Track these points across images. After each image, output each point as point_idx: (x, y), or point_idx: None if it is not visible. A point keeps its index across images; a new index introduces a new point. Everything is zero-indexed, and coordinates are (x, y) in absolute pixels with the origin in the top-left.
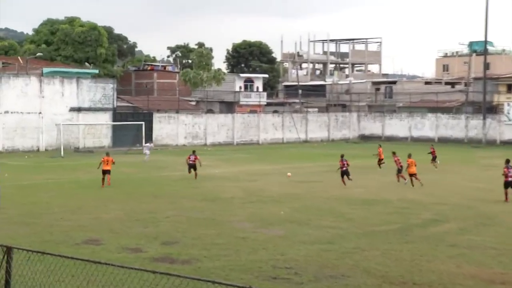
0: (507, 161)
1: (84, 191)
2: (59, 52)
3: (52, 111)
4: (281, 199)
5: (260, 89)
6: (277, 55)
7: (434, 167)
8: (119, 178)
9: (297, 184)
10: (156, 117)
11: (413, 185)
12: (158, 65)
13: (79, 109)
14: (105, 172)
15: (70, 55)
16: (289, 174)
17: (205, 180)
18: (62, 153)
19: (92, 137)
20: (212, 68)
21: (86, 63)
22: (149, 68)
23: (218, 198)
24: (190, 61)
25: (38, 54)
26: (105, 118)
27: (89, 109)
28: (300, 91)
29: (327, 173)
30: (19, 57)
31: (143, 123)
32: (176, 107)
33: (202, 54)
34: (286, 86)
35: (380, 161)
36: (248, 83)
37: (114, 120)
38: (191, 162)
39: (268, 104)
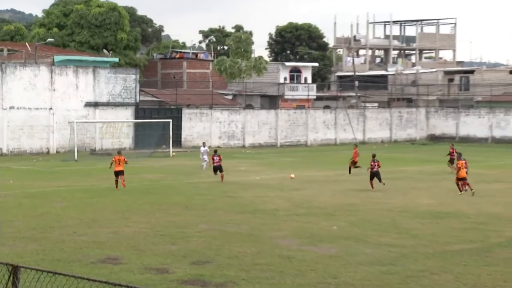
0: None
1: (101, 200)
2: (73, 38)
3: (65, 106)
4: (334, 211)
5: (309, 80)
6: (330, 40)
7: (450, 169)
8: (142, 186)
9: (353, 193)
10: (186, 113)
11: (460, 192)
12: (189, 52)
13: (95, 104)
14: (117, 173)
15: (85, 40)
16: (292, 175)
17: (244, 188)
18: (75, 156)
19: (111, 137)
20: (252, 55)
21: (105, 50)
22: (177, 55)
23: (258, 210)
24: (226, 47)
25: (49, 39)
26: (126, 115)
27: (107, 104)
28: (356, 82)
29: (389, 181)
30: (26, 43)
31: (170, 120)
32: (209, 102)
33: (240, 39)
34: (340, 77)
35: (354, 164)
36: (295, 74)
37: (136, 117)
38: (216, 163)
39: (318, 98)
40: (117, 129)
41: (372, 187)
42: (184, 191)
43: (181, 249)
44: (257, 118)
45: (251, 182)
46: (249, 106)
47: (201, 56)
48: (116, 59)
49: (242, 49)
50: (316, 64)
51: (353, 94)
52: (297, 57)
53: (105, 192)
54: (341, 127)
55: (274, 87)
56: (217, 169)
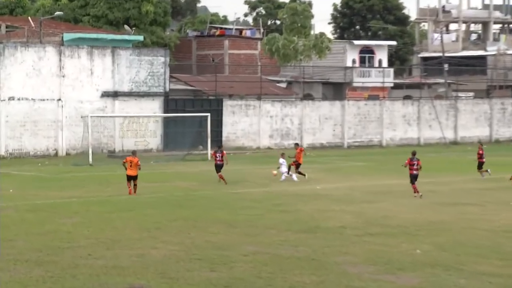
0: None
1: (122, 215)
2: (86, 10)
3: (77, 97)
4: (417, 230)
5: (385, 63)
6: (411, 11)
7: (480, 175)
8: (173, 197)
9: (442, 207)
10: (228, 106)
11: None
12: (231, 29)
13: (115, 94)
14: (129, 178)
15: (102, 14)
16: (274, 172)
17: (302, 200)
18: (90, 159)
19: (134, 135)
20: (312, 32)
21: (126, 26)
22: (217, 33)
23: (320, 228)
24: (278, 22)
25: (57, 13)
26: (153, 108)
27: (129, 94)
28: (446, 66)
29: (489, 192)
30: (29, 18)
31: (208, 115)
32: (258, 91)
33: (297, 12)
34: (425, 59)
35: (297, 167)
36: (366, 55)
37: (166, 111)
38: (218, 161)
39: (397, 86)
40: (141, 125)
41: (416, 191)
42: (226, 203)
43: (223, 278)
44: (318, 111)
45: (310, 193)
46: (307, 97)
47: (247, 33)
48: (141, 37)
49: (299, 24)
50: (394, 43)
51: (442, 80)
52: (369, 33)
53: (127, 204)
54: (425, 122)
55: (340, 72)
56: (219, 168)
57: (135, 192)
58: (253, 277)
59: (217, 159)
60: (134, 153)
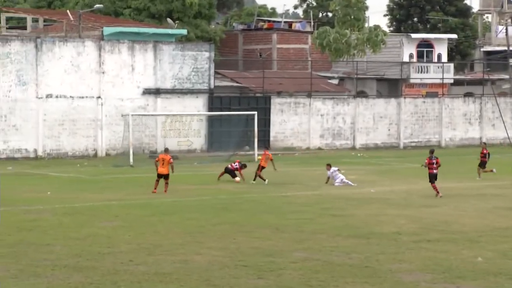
0: None
1: (165, 219)
2: (127, 3)
3: (117, 94)
4: (479, 236)
5: (444, 58)
6: (474, 2)
7: (477, 176)
8: (218, 200)
9: (506, 212)
10: (276, 103)
11: None
12: (280, 22)
13: (157, 92)
14: (160, 175)
15: (144, 7)
16: (237, 179)
17: (354, 204)
18: (131, 159)
19: (177, 135)
20: (366, 25)
21: (169, 20)
22: (265, 26)
23: (374, 234)
24: (330, 14)
25: (97, 6)
26: (197, 106)
27: (172, 91)
28: (511, 60)
29: None
30: (68, 11)
31: (255, 113)
32: (308, 88)
33: (350, 4)
34: (488, 53)
35: (261, 170)
36: (424, 49)
37: (210, 109)
38: (232, 167)
39: (457, 83)
40: (184, 124)
41: (437, 192)
42: (274, 207)
43: (270, 285)
44: (372, 109)
45: (364, 196)
46: (361, 94)
47: (297, 26)
48: (184, 31)
49: (352, 17)
50: (455, 36)
51: (506, 76)
52: (428, 26)
53: (170, 208)
54: (488, 121)
55: (396, 67)
56: (229, 172)
57: (165, 191)
58: (302, 285)
59: (233, 166)
60: (166, 150)
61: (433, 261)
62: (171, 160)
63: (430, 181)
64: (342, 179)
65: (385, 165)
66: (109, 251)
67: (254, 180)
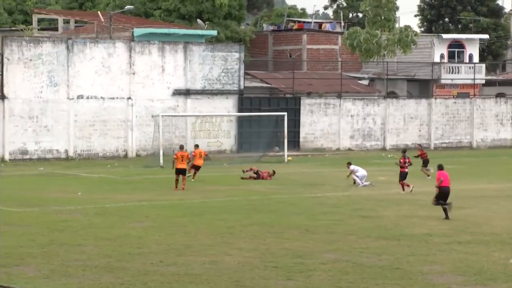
0: None
1: (195, 220)
2: (158, 4)
3: (147, 95)
4: (511, 238)
5: (476, 58)
6: (506, 2)
7: (425, 175)
8: (248, 201)
9: None
10: (306, 104)
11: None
12: (310, 22)
13: (187, 92)
14: (179, 171)
15: (174, 8)
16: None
17: (384, 205)
18: (161, 160)
19: (207, 135)
20: (396, 25)
21: (199, 21)
22: (295, 26)
23: (405, 235)
24: (360, 15)
25: (127, 7)
26: (227, 107)
27: (202, 92)
28: None
29: None
30: (99, 13)
31: (285, 114)
32: (338, 89)
33: (380, 4)
34: None
35: (197, 169)
36: (456, 49)
37: (240, 109)
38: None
39: (489, 83)
40: (214, 125)
41: (404, 189)
42: (304, 208)
43: (300, 287)
44: (402, 110)
45: (394, 197)
46: (391, 94)
47: (327, 27)
48: (214, 32)
49: (383, 17)
50: (486, 36)
51: None
52: (459, 26)
53: (199, 209)
54: None
55: (427, 68)
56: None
57: (183, 187)
58: (332, 287)
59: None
60: (182, 147)
61: (464, 263)
62: (189, 156)
63: (400, 179)
64: (363, 176)
65: (415, 166)
66: (139, 251)
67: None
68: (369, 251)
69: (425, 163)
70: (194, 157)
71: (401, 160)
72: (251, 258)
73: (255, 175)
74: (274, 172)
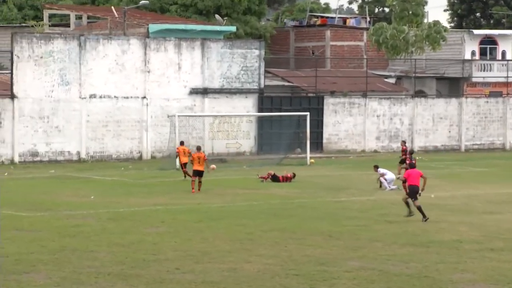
0: None
1: (213, 225)
2: None
3: (163, 94)
4: None
5: (509, 55)
6: None
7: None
8: (268, 205)
9: None
10: (329, 104)
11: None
12: (334, 18)
13: (204, 91)
14: (197, 173)
15: (191, 3)
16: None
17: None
18: (177, 162)
19: (225, 137)
20: (425, 21)
21: (217, 16)
22: (318, 22)
23: (434, 242)
24: (386, 9)
25: (142, 2)
26: (246, 106)
27: (220, 91)
28: None
29: None
30: (112, 8)
31: (307, 114)
32: (363, 88)
33: None
34: None
35: (184, 166)
36: (488, 46)
37: (260, 109)
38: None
39: None
40: (233, 125)
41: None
42: (328, 213)
43: None
44: (431, 110)
45: (423, 202)
46: (420, 93)
47: (352, 22)
48: (233, 28)
49: (410, 12)
50: None
51: None
52: (491, 21)
53: (218, 213)
54: None
55: (457, 65)
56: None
57: (199, 189)
58: None
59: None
60: (199, 148)
61: (497, 272)
62: (205, 157)
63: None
64: (391, 180)
65: (445, 169)
66: (154, 258)
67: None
68: (396, 259)
69: (403, 161)
70: (179, 154)
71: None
72: (272, 265)
73: (270, 180)
74: (294, 175)
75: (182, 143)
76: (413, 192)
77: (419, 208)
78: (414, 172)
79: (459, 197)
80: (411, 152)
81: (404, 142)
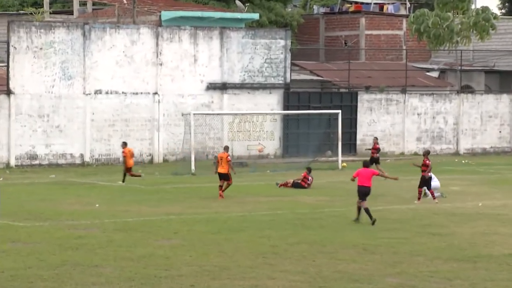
0: None
1: (232, 237)
2: None
3: (177, 90)
4: None
5: None
6: None
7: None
8: (295, 215)
9: None
10: (364, 100)
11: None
12: (369, 4)
13: (223, 87)
14: (221, 176)
15: None
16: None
17: (458, 220)
18: (192, 166)
19: (247, 137)
20: (472, 7)
21: (237, 2)
22: (351, 8)
23: (482, 256)
24: None
25: None
26: (271, 103)
27: (241, 87)
28: None
29: None
30: None
31: (339, 112)
32: (402, 83)
33: None
34: None
35: (128, 170)
36: None
37: (286, 106)
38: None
39: None
40: (255, 125)
41: (419, 199)
42: (362, 224)
43: None
44: (479, 107)
45: (469, 211)
46: (466, 89)
47: (389, 9)
48: (256, 16)
49: None
50: None
51: None
52: None
53: (238, 224)
54: None
55: (509, 57)
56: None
57: (223, 191)
58: None
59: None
60: (226, 148)
61: None
62: (229, 157)
63: (419, 185)
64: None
65: (495, 174)
66: (167, 274)
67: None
68: (439, 275)
69: (374, 160)
70: (125, 157)
71: (424, 164)
72: (299, 282)
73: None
74: (309, 170)
75: (125, 144)
76: (361, 193)
77: (367, 210)
78: (366, 171)
79: (511, 206)
80: (427, 153)
81: (376, 139)
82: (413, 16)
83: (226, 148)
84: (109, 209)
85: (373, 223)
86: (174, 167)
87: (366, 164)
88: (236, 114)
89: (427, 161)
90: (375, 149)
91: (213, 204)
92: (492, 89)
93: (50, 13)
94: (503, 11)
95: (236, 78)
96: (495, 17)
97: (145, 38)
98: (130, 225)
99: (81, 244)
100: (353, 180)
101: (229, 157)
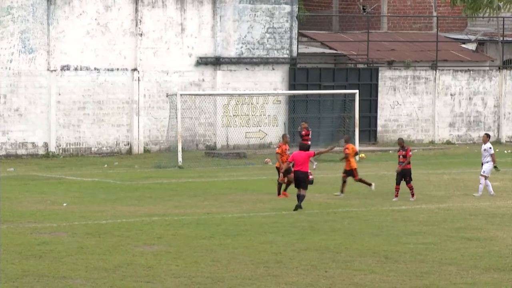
0: None
1: (229, 242)
2: None
3: (160, 65)
4: None
5: None
6: None
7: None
8: (303, 215)
9: None
10: (386, 78)
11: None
12: None
13: (217, 62)
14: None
15: None
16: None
17: (497, 223)
18: (179, 158)
19: (245, 123)
20: None
21: None
22: None
23: None
24: None
25: None
26: (273, 82)
27: (238, 62)
28: None
29: None
30: None
31: (356, 91)
32: (432, 57)
33: None
34: None
35: None
36: None
37: (292, 85)
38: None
39: None
40: (255, 108)
41: (396, 196)
42: (383, 227)
43: None
44: None
45: (508, 210)
46: (509, 64)
47: None
48: None
49: None
50: None
51: None
52: None
53: (234, 227)
54: None
55: None
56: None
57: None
58: None
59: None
60: (284, 137)
61: None
62: (287, 147)
63: (396, 182)
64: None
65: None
66: (148, 287)
67: None
68: (475, 287)
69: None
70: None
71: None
72: None
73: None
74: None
75: (284, 137)
76: (298, 179)
77: (301, 196)
78: (301, 155)
79: None
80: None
81: (304, 123)
82: None
83: (285, 137)
84: (80, 209)
85: (295, 209)
86: (157, 158)
87: (302, 147)
88: (232, 94)
89: (410, 153)
90: (303, 135)
91: (204, 203)
92: None
93: None
94: None
95: (232, 52)
96: None
97: (122, 3)
98: (105, 228)
99: (46, 252)
100: (292, 165)
101: (287, 146)
